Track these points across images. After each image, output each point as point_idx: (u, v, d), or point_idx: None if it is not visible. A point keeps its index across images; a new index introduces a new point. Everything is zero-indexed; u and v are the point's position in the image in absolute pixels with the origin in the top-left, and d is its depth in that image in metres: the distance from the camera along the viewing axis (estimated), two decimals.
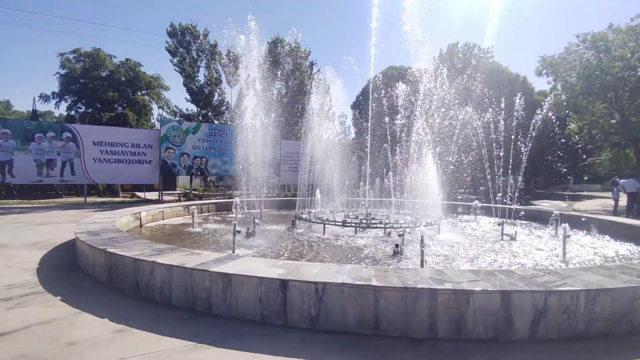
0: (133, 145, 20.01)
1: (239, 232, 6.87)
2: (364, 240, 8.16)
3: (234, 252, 6.76)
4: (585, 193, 33.11)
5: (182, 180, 32.58)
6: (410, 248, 7.20)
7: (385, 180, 13.88)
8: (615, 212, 15.07)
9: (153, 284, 4.51)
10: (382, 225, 8.87)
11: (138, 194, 26.28)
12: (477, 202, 12.85)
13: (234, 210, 13.05)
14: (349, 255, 6.75)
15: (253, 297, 3.89)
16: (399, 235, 7.07)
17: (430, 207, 11.21)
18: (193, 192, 25.31)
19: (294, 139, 27.31)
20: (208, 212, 14.23)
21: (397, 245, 6.85)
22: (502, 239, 8.67)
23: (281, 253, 6.86)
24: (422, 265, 5.70)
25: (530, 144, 12.83)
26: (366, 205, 11.67)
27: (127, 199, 22.59)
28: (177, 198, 21.99)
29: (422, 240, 5.65)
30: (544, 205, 22.39)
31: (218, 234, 8.89)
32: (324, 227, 8.92)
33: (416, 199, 12.33)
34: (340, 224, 9.11)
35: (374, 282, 3.67)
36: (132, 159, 19.90)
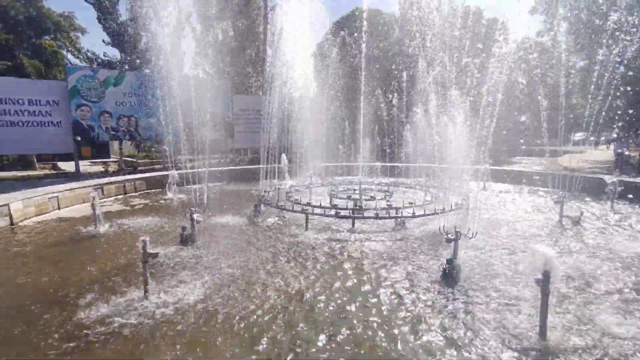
0: (31, 102, 14.93)
1: (154, 255, 3.48)
2: (374, 244, 5.10)
3: (145, 296, 3.43)
4: (552, 148, 32.37)
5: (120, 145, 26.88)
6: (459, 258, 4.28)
7: (377, 139, 10.74)
8: (622, 167, 13.47)
9: None
10: (396, 214, 5.84)
11: (61, 164, 20.88)
12: (486, 165, 10.22)
13: (168, 189, 9.35)
14: (369, 291, 3.68)
15: None
16: (448, 241, 4.04)
17: (439, 175, 8.40)
18: (127, 159, 20.64)
19: (247, 94, 22.95)
20: (135, 191, 10.33)
21: (449, 263, 3.86)
22: (561, 222, 6.09)
23: (240, 313, 3.63)
24: (543, 336, 2.73)
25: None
26: (359, 176, 8.53)
27: (43, 173, 17.53)
28: (103, 170, 17.40)
29: (545, 277, 2.65)
30: (525, 162, 20.81)
31: (132, 242, 5.35)
32: (307, 219, 5.70)
33: (419, 163, 9.40)
34: (332, 212, 5.94)
35: None
36: (31, 120, 14.87)
